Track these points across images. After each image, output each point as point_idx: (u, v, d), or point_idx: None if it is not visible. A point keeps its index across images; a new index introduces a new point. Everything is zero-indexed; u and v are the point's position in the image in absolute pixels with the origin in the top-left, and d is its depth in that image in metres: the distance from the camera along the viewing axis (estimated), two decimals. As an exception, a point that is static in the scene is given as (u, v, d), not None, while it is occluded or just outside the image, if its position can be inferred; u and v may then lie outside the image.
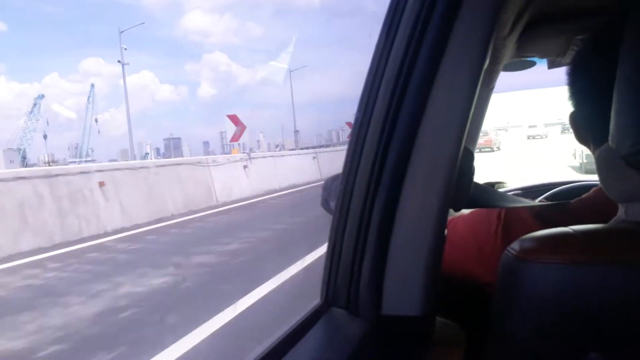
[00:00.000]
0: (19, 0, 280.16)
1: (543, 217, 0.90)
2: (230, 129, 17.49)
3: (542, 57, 1.49)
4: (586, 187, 1.40)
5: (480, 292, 0.90)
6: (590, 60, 0.77)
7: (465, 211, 1.05)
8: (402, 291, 0.67)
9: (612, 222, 0.67)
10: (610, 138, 0.60)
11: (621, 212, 0.66)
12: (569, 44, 1.35)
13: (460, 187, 0.71)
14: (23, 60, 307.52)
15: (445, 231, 0.77)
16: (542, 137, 45.81)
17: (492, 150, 32.24)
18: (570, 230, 0.59)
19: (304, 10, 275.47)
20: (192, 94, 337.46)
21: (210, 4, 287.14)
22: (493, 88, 1.66)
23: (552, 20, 1.27)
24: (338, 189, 0.77)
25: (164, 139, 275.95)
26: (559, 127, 43.68)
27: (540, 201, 1.39)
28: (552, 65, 1.54)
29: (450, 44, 0.64)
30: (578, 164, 15.14)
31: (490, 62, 1.24)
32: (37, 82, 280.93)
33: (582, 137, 0.81)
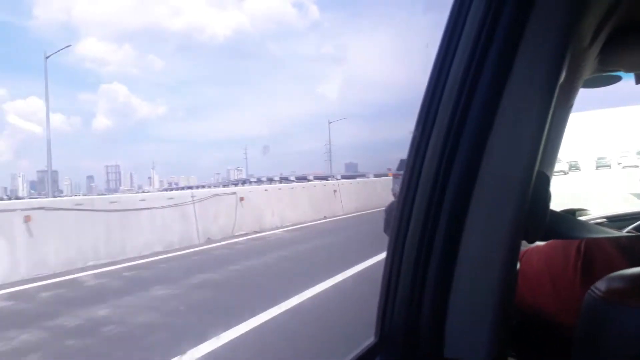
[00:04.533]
0: None
1: (631, 252, 0.82)
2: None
3: (628, 70, 1.36)
4: None
5: (555, 333, 0.81)
6: None
7: (540, 242, 0.95)
8: (468, 332, 0.61)
9: None
10: None
11: None
12: None
13: (535, 216, 0.64)
14: None
15: (518, 265, 0.69)
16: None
17: (565, 173, 28.66)
18: None
19: (208, 48, 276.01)
20: (87, 125, 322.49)
21: (107, 31, 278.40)
22: (572, 106, 1.53)
23: None
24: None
25: (38, 172, 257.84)
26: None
27: (628, 232, 1.27)
28: None
29: (519, 57, 0.58)
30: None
31: (567, 78, 1.13)
32: None
33: None
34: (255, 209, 12.45)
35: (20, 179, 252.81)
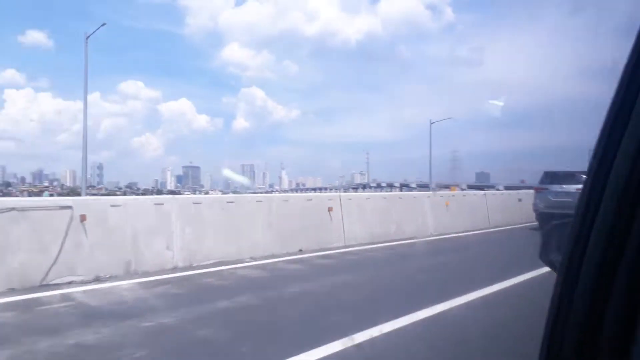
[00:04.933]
0: (62, 18, 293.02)
1: None
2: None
3: None
4: None
5: None
6: None
7: None
8: None
9: None
10: None
11: None
12: None
13: None
14: (67, 78, 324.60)
15: None
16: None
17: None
18: None
19: (340, 52, 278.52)
20: (227, 125, 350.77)
21: (248, 38, 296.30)
22: None
23: None
24: (565, 241, 0.66)
25: (183, 167, 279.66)
26: None
27: None
28: None
29: None
30: None
31: None
32: (80, 100, 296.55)
33: None
34: (119, 237, 6.96)
35: (168, 173, 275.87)
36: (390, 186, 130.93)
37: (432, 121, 50.14)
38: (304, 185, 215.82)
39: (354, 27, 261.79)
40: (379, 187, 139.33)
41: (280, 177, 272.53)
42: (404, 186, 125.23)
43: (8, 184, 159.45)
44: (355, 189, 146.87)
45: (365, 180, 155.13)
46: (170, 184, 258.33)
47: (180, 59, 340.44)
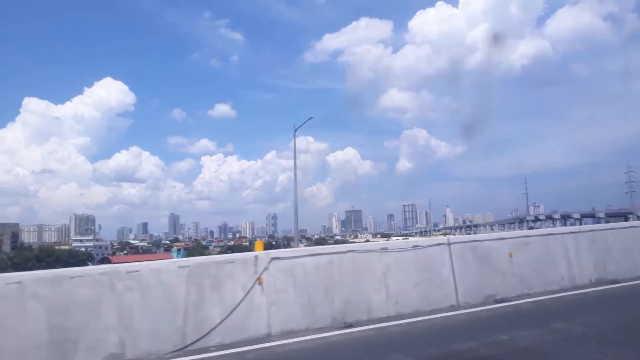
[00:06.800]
0: (242, 90, 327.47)
1: None
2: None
3: None
4: None
5: None
6: None
7: None
8: None
9: None
10: None
11: None
12: None
13: None
14: (247, 142, 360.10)
15: None
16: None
17: None
18: None
19: (504, 80, 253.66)
20: (391, 168, 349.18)
21: (406, 81, 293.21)
22: None
23: None
24: None
25: (346, 211, 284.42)
26: None
27: None
28: None
29: None
30: None
31: None
32: (260, 159, 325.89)
33: None
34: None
35: (333, 219, 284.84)
36: (551, 219, 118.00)
37: (296, 127, 37.68)
38: (471, 221, 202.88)
39: (518, 53, 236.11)
40: (535, 220, 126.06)
41: (444, 215, 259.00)
42: (566, 217, 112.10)
43: (176, 239, 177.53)
44: (512, 223, 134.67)
45: (528, 213, 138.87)
46: (335, 229, 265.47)
47: (344, 111, 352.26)
